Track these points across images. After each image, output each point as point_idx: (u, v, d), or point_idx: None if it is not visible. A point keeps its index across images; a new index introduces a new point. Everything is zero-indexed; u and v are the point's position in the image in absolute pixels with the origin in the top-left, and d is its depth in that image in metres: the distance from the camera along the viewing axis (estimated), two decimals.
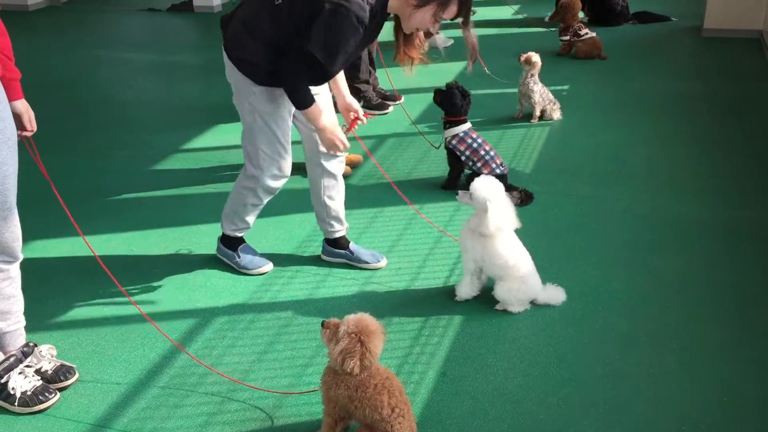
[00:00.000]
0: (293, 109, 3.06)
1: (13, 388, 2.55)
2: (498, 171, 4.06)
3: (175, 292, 3.25)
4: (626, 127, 5.12)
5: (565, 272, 3.33)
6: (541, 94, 5.17)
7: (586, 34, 6.78)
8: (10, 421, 2.53)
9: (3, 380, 2.56)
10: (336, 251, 3.45)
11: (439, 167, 4.41)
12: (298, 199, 4.12)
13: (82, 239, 3.72)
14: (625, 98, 5.72)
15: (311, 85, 2.93)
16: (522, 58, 5.15)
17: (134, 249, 3.63)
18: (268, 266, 3.40)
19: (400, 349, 2.86)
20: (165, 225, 3.87)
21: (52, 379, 2.66)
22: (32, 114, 2.61)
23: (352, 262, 3.43)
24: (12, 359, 2.60)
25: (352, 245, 3.46)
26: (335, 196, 3.35)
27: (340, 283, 3.31)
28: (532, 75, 5.14)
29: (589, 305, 3.11)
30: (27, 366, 2.63)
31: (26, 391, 2.56)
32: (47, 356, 2.71)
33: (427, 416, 2.51)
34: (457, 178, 4.20)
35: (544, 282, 3.14)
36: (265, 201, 3.25)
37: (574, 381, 2.66)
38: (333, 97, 3.25)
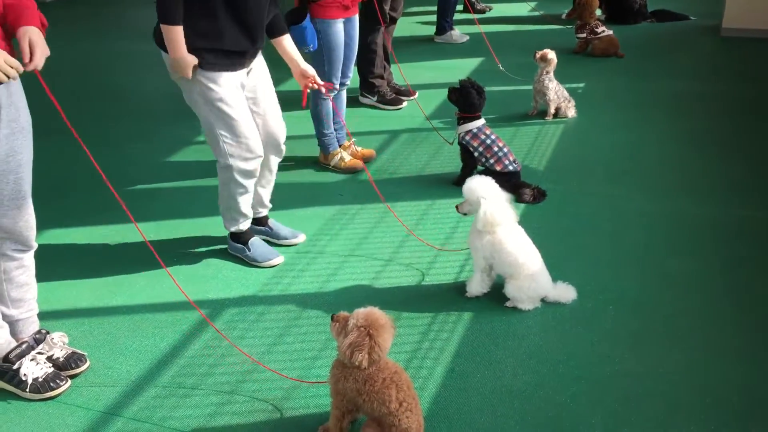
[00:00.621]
0: (244, 87, 3.13)
1: (24, 375, 2.57)
2: (511, 168, 4.05)
3: (186, 284, 3.26)
4: (641, 126, 5.08)
5: (577, 270, 3.32)
6: (556, 92, 5.15)
7: (603, 32, 6.74)
8: (22, 407, 2.55)
9: (15, 366, 2.59)
10: (257, 228, 3.60)
11: (452, 163, 4.40)
12: (311, 193, 4.13)
13: (94, 229, 3.75)
14: (640, 97, 5.68)
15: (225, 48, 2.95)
16: (537, 55, 5.13)
17: (148, 239, 3.64)
18: (279, 259, 3.42)
19: (409, 344, 2.86)
20: (178, 216, 3.89)
21: (63, 367, 2.68)
22: (39, 47, 2.24)
23: (271, 238, 3.58)
24: (24, 346, 2.63)
25: (271, 221, 3.62)
26: (266, 185, 3.51)
27: (350, 277, 3.32)
28: (547, 72, 5.11)
29: (600, 304, 3.09)
30: (39, 353, 2.65)
31: (38, 378, 2.58)
32: (59, 343, 2.74)
33: (435, 411, 2.51)
34: (469, 174, 4.16)
35: (554, 280, 3.13)
36: (250, 185, 3.28)
37: (583, 379, 2.65)
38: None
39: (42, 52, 2.25)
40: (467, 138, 4.10)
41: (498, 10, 8.73)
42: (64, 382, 2.62)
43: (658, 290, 3.19)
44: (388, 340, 2.20)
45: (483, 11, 8.68)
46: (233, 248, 3.47)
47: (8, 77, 2.18)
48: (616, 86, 5.96)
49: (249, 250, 3.40)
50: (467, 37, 7.42)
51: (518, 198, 3.94)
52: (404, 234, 3.68)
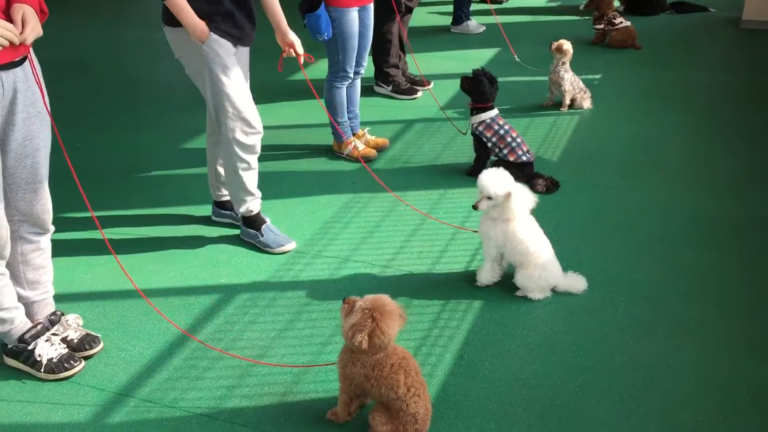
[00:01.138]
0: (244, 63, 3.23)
1: (39, 355, 2.62)
2: (524, 158, 4.04)
3: (199, 269, 3.30)
4: (658, 117, 5.05)
5: (589, 261, 3.32)
6: (571, 83, 5.12)
7: (621, 23, 6.69)
8: (36, 386, 2.60)
9: (30, 347, 2.63)
10: (222, 212, 3.66)
11: (466, 153, 4.40)
12: (324, 181, 4.15)
13: (110, 213, 3.80)
14: (658, 89, 5.64)
15: None
16: (553, 46, 5.11)
17: (161, 225, 3.69)
18: (291, 245, 3.45)
19: (418, 331, 2.87)
20: (192, 203, 3.93)
21: (77, 348, 2.72)
22: (30, 23, 2.22)
23: (236, 222, 3.62)
24: (39, 327, 2.67)
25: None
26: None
27: (362, 264, 3.34)
28: (563, 63, 5.09)
29: (611, 295, 3.09)
30: (54, 334, 2.70)
31: (52, 358, 2.62)
32: (73, 325, 2.79)
33: (443, 398, 2.53)
34: (483, 164, 4.17)
35: (565, 270, 3.13)
36: (252, 160, 3.32)
37: (592, 369, 2.66)
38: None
39: (33, 28, 2.23)
40: (480, 128, 4.10)
41: (516, 0, 8.69)
42: (78, 362, 2.66)
43: (671, 282, 3.18)
44: (393, 326, 2.20)
45: (501, 1, 8.64)
46: (246, 234, 3.49)
47: (5, 43, 2.17)
48: (634, 78, 5.92)
49: (262, 236, 3.43)
50: (484, 28, 7.39)
51: (531, 188, 3.93)
52: (416, 223, 3.69)
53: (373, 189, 4.04)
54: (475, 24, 7.43)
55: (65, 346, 2.70)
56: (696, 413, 2.45)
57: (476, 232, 3.32)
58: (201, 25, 3.01)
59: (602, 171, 4.25)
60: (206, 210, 3.81)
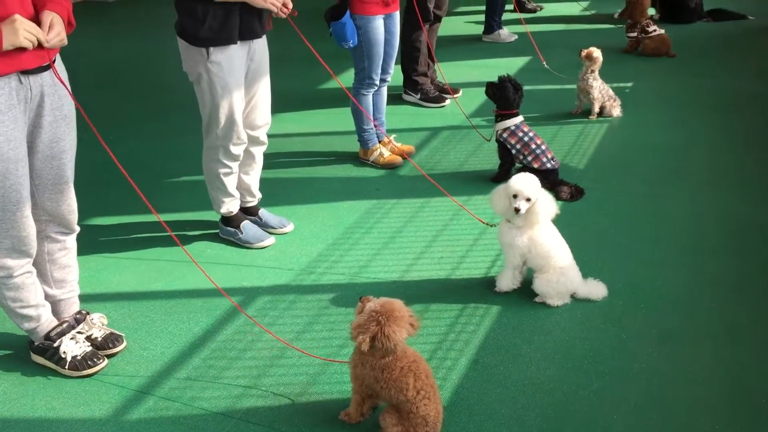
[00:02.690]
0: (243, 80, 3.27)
1: (64, 352, 2.70)
2: (549, 165, 4.03)
3: (222, 271, 3.36)
4: (689, 126, 4.98)
5: (610, 269, 3.29)
6: (600, 90, 5.09)
7: (654, 30, 6.61)
8: (61, 383, 2.68)
9: (56, 344, 2.71)
10: (248, 218, 3.70)
11: (491, 160, 4.40)
12: (349, 187, 4.19)
13: (139, 217, 3.89)
14: (690, 97, 5.56)
15: None
16: (583, 54, 5.08)
17: (187, 228, 3.76)
18: (270, 240, 3.58)
19: (435, 335, 2.88)
20: None
21: (101, 346, 2.80)
22: (56, 29, 2.31)
23: (261, 227, 3.66)
24: (65, 325, 2.76)
25: (261, 211, 3.72)
26: (250, 172, 3.62)
27: (382, 269, 3.36)
28: (592, 71, 5.06)
29: (631, 302, 3.06)
30: (78, 332, 2.78)
31: (76, 356, 2.70)
32: (98, 324, 2.86)
33: (456, 401, 2.53)
34: (507, 171, 4.18)
35: (585, 276, 3.11)
36: (234, 166, 3.44)
37: (608, 375, 2.64)
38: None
39: (57, 33, 2.31)
40: (505, 135, 4.10)
41: (550, 9, 8.65)
42: (101, 360, 2.73)
43: (693, 290, 3.14)
44: (398, 332, 2.19)
45: (534, 11, 8.61)
46: (225, 232, 3.62)
47: (34, 41, 2.25)
48: (666, 86, 5.85)
49: (241, 233, 3.56)
50: (515, 37, 7.38)
51: (556, 195, 3.92)
52: (437, 229, 3.71)
53: (397, 195, 4.07)
54: (506, 33, 7.42)
55: (89, 344, 2.77)
56: (713, 422, 2.42)
57: (494, 226, 3.31)
58: None
59: (628, 179, 4.21)
60: None
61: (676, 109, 5.31)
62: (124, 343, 2.85)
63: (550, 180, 3.99)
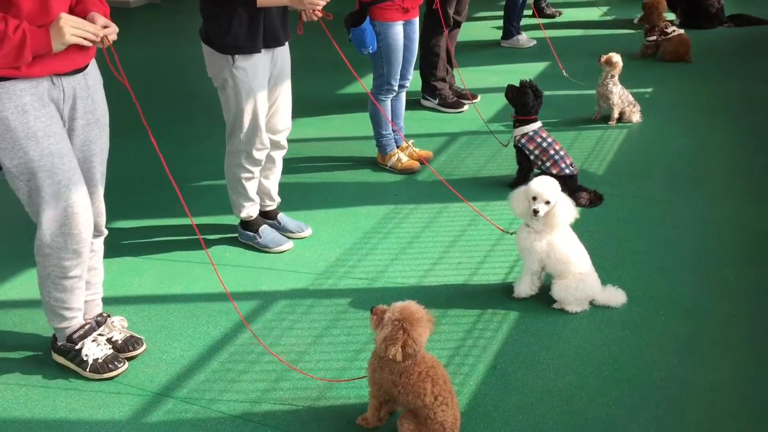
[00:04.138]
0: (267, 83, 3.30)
1: (86, 355, 2.72)
2: (567, 171, 4.01)
3: (240, 275, 3.39)
4: (709, 132, 4.95)
5: (630, 275, 3.27)
6: (620, 96, 5.06)
7: (674, 31, 6.56)
8: (81, 385, 2.71)
9: (78, 347, 2.74)
10: (266, 221, 3.72)
11: (509, 166, 4.39)
12: (367, 192, 4.20)
13: (161, 221, 3.92)
14: (711, 103, 5.52)
15: None
16: (602, 59, 5.06)
17: (206, 232, 3.79)
18: (289, 244, 3.61)
19: (453, 340, 2.89)
20: None
21: (121, 349, 2.82)
22: (111, 26, 2.37)
23: (279, 231, 3.69)
24: (87, 327, 2.79)
25: (280, 216, 3.74)
26: (270, 176, 3.64)
27: (399, 274, 3.37)
28: (612, 76, 5.04)
29: (651, 309, 3.04)
30: (99, 334, 2.81)
31: (98, 359, 2.73)
32: (118, 327, 2.89)
33: (474, 408, 2.53)
34: (526, 177, 4.16)
35: (604, 283, 3.10)
36: (256, 171, 3.47)
37: (627, 383, 2.62)
38: None
39: (114, 30, 2.35)
40: (523, 141, 4.09)
41: (568, 14, 8.63)
42: (122, 364, 2.76)
43: (712, 297, 3.12)
44: (424, 334, 2.23)
45: (553, 16, 8.59)
46: (243, 236, 3.64)
47: (95, 39, 2.29)
48: (686, 91, 5.80)
49: (260, 237, 3.58)
50: (534, 42, 7.37)
51: (575, 201, 3.90)
52: (455, 234, 3.71)
53: (415, 200, 4.08)
54: (525, 38, 7.41)
55: (110, 346, 2.80)
56: (733, 431, 2.39)
57: (512, 233, 3.31)
58: None
59: (648, 185, 4.19)
60: None
61: (695, 115, 5.27)
62: (144, 346, 2.88)
63: (568, 186, 3.97)
